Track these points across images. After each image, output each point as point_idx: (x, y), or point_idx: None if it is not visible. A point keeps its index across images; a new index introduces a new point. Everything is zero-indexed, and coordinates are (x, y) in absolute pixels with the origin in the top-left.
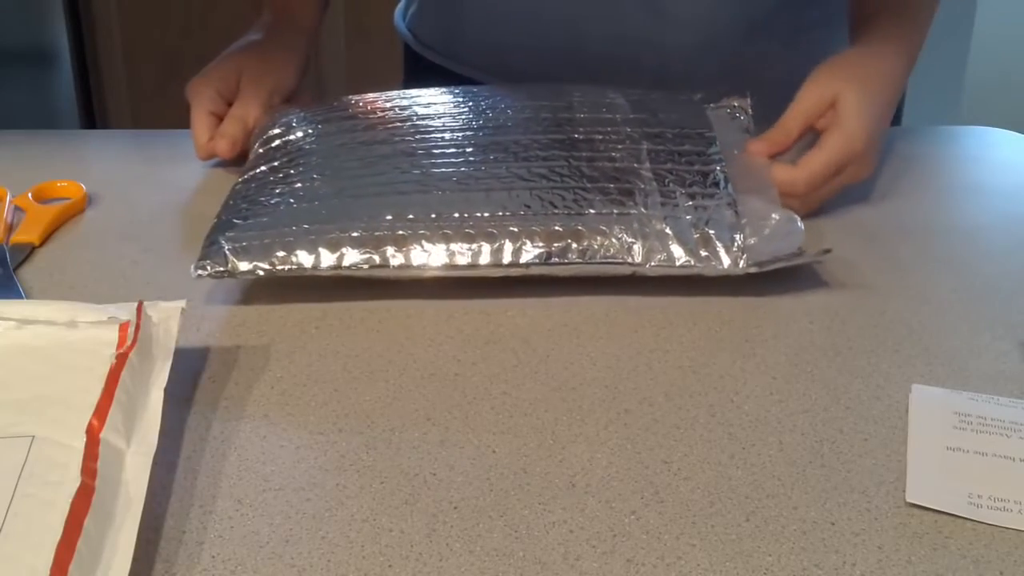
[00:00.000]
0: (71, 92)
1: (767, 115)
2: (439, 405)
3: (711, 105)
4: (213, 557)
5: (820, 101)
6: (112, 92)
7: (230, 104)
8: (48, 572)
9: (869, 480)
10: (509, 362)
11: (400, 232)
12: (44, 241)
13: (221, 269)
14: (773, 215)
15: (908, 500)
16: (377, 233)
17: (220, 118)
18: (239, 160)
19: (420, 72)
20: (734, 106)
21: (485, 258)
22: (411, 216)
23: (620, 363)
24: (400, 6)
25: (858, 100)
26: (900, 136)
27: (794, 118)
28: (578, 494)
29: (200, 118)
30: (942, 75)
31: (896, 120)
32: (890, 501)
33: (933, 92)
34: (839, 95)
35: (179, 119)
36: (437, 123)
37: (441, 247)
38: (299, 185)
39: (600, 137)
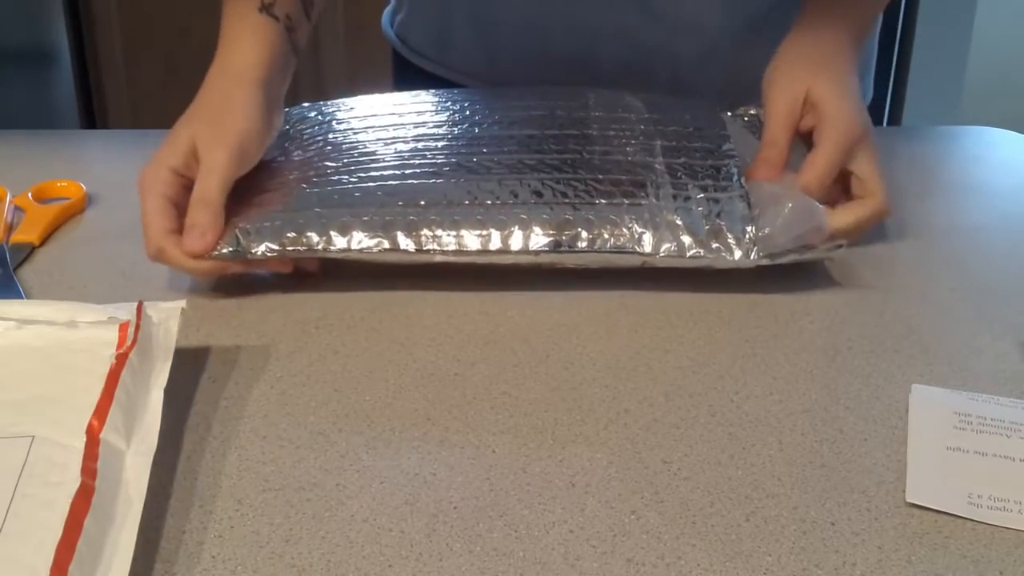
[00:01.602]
0: (71, 92)
1: None
2: (439, 405)
3: (728, 114)
4: (213, 557)
5: (794, 103)
6: (112, 92)
7: (189, 183)
8: (48, 572)
9: (869, 480)
10: (509, 362)
11: (411, 217)
12: (44, 241)
13: (232, 249)
14: (788, 202)
15: (908, 500)
16: (388, 218)
17: (178, 205)
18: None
19: (409, 77)
20: (751, 114)
21: (495, 244)
22: (422, 202)
23: (620, 363)
24: (388, 10)
25: (832, 87)
26: (900, 136)
27: (778, 128)
28: (578, 494)
29: (152, 205)
30: (942, 75)
31: (896, 120)
32: (890, 501)
33: (933, 92)
34: (810, 89)
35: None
36: (453, 118)
37: (451, 233)
38: (311, 172)
39: (613, 133)
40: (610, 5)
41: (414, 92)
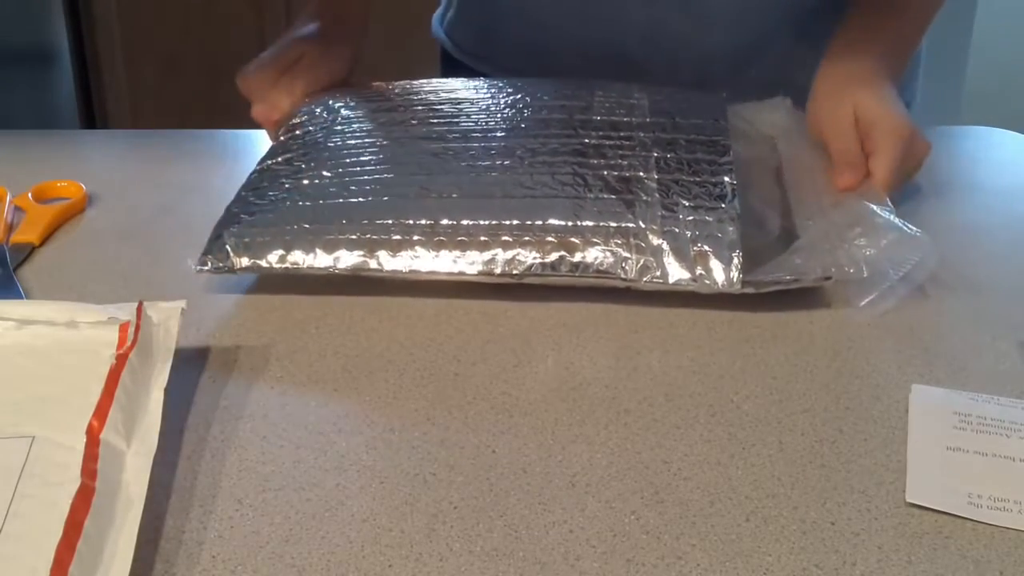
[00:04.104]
0: (71, 92)
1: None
2: (439, 405)
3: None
4: (213, 557)
5: (849, 117)
6: (112, 92)
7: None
8: (48, 573)
9: (869, 480)
10: (509, 362)
11: (396, 237)
12: (44, 241)
13: (221, 265)
14: (890, 230)
15: (908, 500)
16: (373, 237)
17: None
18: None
19: (456, 76)
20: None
21: (476, 267)
22: (409, 221)
23: (620, 363)
24: (438, 12)
25: (876, 98)
26: None
27: (845, 138)
28: (578, 494)
29: (259, 81)
30: (942, 75)
31: None
32: (890, 501)
33: (933, 92)
34: (857, 104)
35: (179, 119)
36: (453, 123)
37: (433, 254)
38: (306, 182)
39: (610, 143)
40: (655, 2)
41: (426, 81)
